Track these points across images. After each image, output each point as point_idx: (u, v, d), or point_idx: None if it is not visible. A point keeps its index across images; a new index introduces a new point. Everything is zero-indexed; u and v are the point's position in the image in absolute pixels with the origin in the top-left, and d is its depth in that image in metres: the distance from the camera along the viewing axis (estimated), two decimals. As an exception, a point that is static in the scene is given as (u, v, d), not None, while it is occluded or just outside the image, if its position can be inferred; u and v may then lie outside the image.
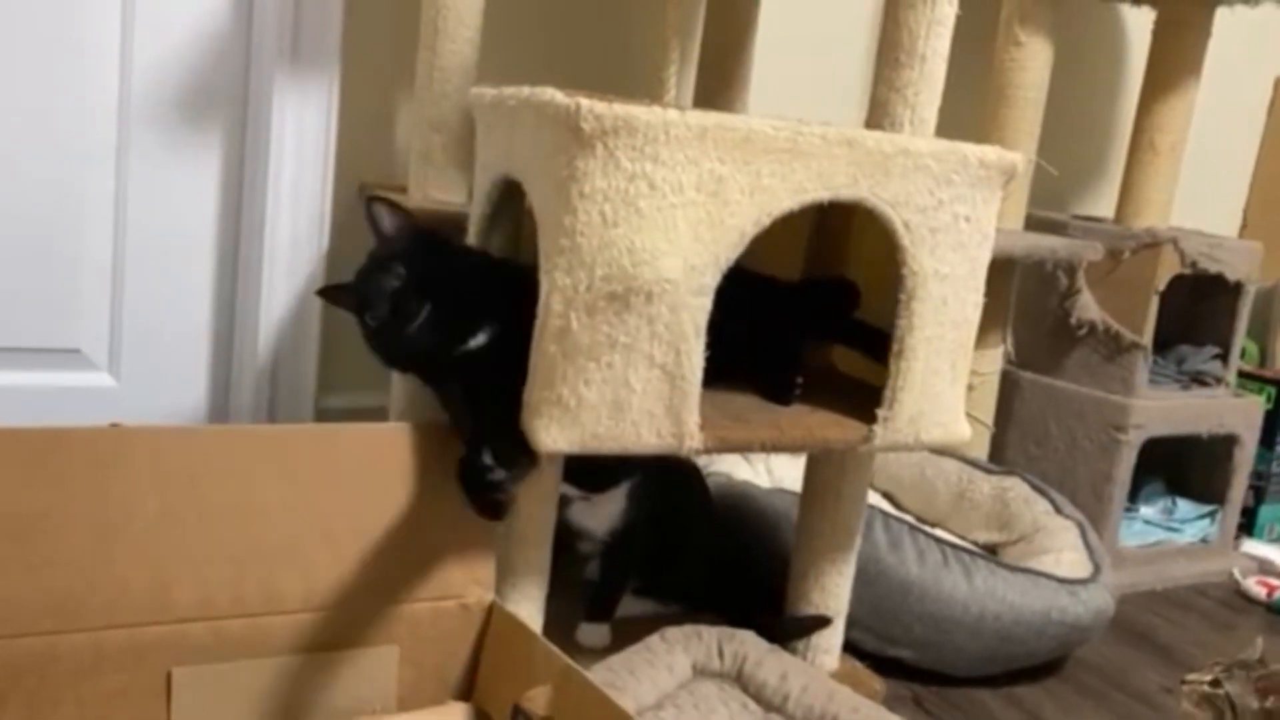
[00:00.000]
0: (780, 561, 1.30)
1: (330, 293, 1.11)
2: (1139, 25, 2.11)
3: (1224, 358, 1.97)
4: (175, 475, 0.93)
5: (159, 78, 1.46)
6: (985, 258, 1.13)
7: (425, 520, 1.02)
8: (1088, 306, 1.87)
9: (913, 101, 1.14)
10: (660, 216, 0.94)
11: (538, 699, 0.91)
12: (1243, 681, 1.15)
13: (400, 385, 1.31)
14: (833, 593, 1.25)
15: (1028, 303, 1.93)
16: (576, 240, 0.93)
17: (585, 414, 0.96)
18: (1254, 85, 2.49)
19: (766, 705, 1.09)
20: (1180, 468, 2.03)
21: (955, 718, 1.33)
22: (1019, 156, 1.12)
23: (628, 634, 1.15)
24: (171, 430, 1.01)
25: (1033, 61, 1.76)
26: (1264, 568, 1.97)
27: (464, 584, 1.04)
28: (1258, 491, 2.10)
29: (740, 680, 1.12)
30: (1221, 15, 1.86)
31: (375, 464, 1.01)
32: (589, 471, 1.14)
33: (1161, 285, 1.81)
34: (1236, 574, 1.91)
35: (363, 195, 1.55)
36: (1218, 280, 1.89)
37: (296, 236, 1.52)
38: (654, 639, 1.12)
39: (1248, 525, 2.10)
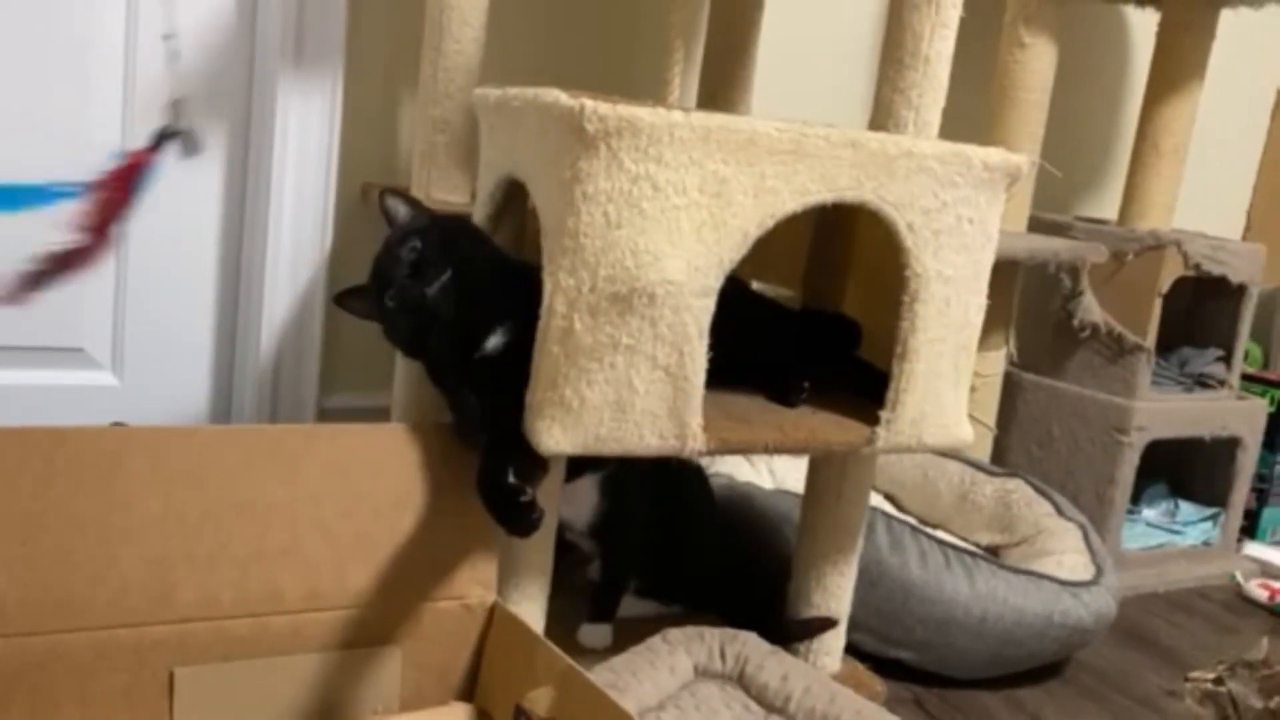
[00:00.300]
0: (782, 563, 1.30)
1: (345, 297, 1.08)
2: (1143, 27, 2.11)
3: (1227, 360, 1.97)
4: (178, 475, 0.93)
5: (162, 77, 1.46)
6: (988, 260, 1.12)
7: (427, 521, 1.02)
8: (1091, 308, 1.87)
9: (916, 103, 1.14)
10: (663, 218, 0.94)
11: (539, 700, 0.91)
12: (1246, 680, 1.15)
13: (402, 385, 1.31)
14: (834, 594, 1.25)
15: (1031, 304, 1.93)
16: (580, 241, 0.93)
17: (588, 415, 0.96)
18: (1258, 87, 2.49)
19: (768, 707, 1.09)
20: (1183, 470, 2.03)
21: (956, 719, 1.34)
22: (1023, 158, 1.12)
23: (630, 635, 1.15)
24: (174, 430, 1.01)
25: (1037, 63, 1.76)
26: (1266, 570, 1.97)
27: (466, 584, 1.04)
28: (1260, 494, 2.10)
29: (742, 681, 1.12)
30: (1225, 17, 1.86)
31: (377, 464, 1.01)
32: None
33: (1165, 287, 1.81)
34: (1239, 577, 1.91)
35: (366, 195, 1.55)
36: (1221, 282, 1.89)
37: (299, 236, 1.52)
38: (656, 640, 1.12)
39: (1250, 528, 2.10)
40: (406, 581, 1.01)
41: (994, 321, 1.69)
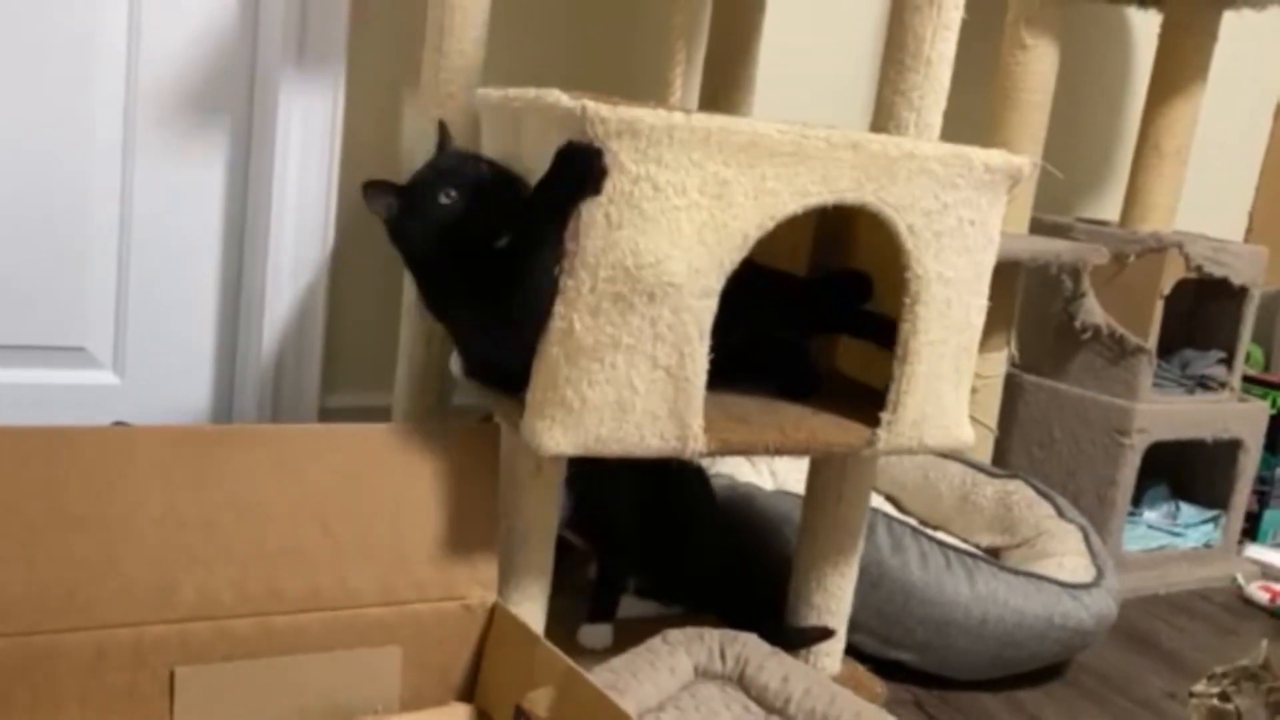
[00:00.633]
0: (783, 564, 1.30)
1: (374, 186, 1.04)
2: (1145, 29, 2.11)
3: (1229, 362, 1.97)
4: (179, 474, 0.93)
5: (165, 77, 1.47)
6: (990, 261, 1.13)
7: (428, 521, 1.02)
8: (1092, 310, 1.86)
9: (918, 105, 1.14)
10: (664, 218, 0.94)
11: (539, 700, 0.91)
12: (1251, 694, 1.14)
13: (404, 385, 1.31)
14: (835, 595, 1.25)
15: (1032, 306, 1.93)
16: (580, 241, 0.93)
17: (588, 415, 0.96)
18: (1260, 89, 2.49)
19: (768, 708, 1.09)
20: (1184, 472, 2.03)
21: (957, 721, 1.34)
22: (1024, 160, 1.12)
23: (630, 635, 1.15)
24: (175, 429, 1.01)
25: (1038, 65, 1.76)
26: (1267, 573, 1.96)
27: (467, 585, 1.04)
28: (1262, 496, 2.10)
29: (742, 682, 1.12)
30: (1228, 19, 1.86)
31: (378, 464, 1.01)
32: None
33: (1166, 289, 1.81)
34: (1240, 579, 1.91)
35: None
36: (1223, 284, 1.88)
37: (301, 235, 1.52)
38: (656, 641, 1.12)
39: (1251, 530, 2.10)
40: (407, 581, 1.01)
41: (995, 323, 1.69)
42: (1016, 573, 1.40)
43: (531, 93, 0.99)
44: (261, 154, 1.51)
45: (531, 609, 1.10)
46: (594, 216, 0.93)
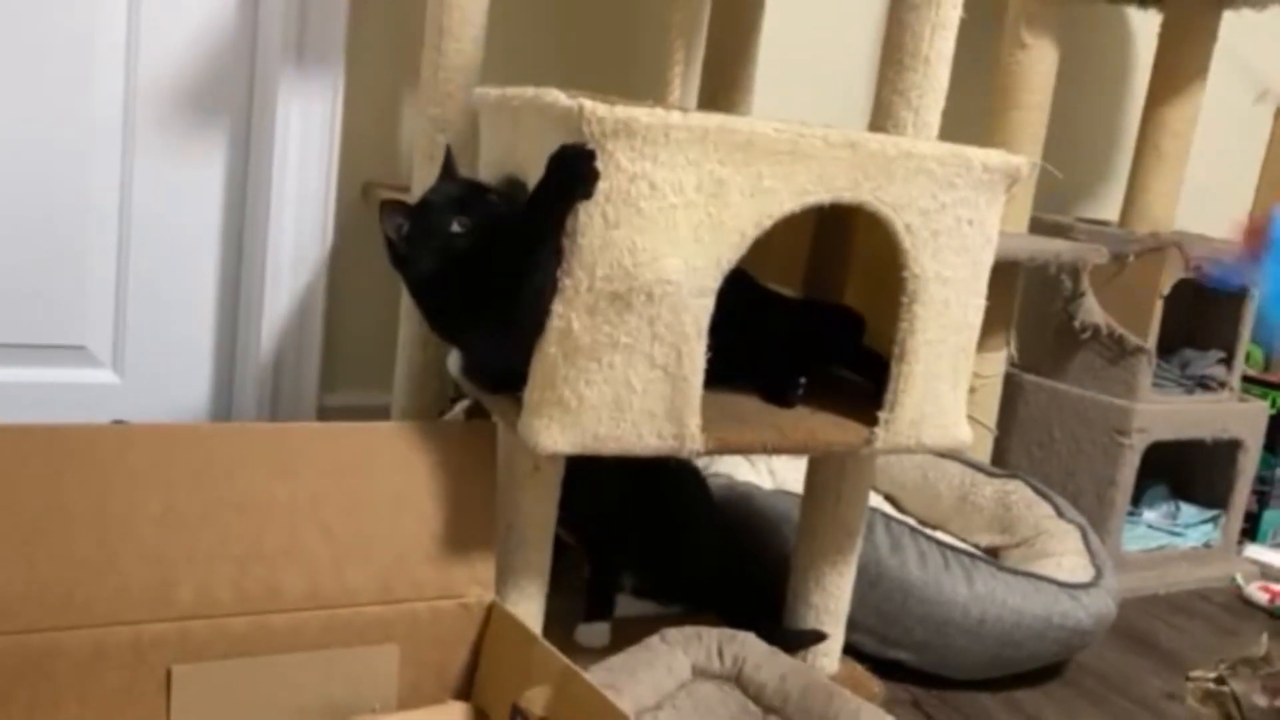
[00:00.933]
0: (782, 563, 1.30)
1: (391, 205, 1.03)
2: (1145, 28, 2.10)
3: (1228, 362, 1.97)
4: (178, 473, 0.93)
5: (164, 76, 1.47)
6: (988, 261, 1.12)
7: (426, 519, 1.02)
8: (1092, 310, 1.86)
9: (916, 104, 1.14)
10: (661, 217, 0.94)
11: (536, 699, 0.91)
12: (1248, 679, 1.14)
13: (402, 384, 1.31)
14: (833, 594, 1.25)
15: (1032, 306, 1.93)
16: (578, 240, 0.93)
17: (586, 415, 0.96)
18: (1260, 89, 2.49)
19: (766, 707, 1.09)
20: (1183, 472, 2.03)
21: (955, 721, 1.34)
22: (1023, 160, 1.12)
23: (628, 634, 1.15)
24: (174, 428, 1.01)
25: (1038, 64, 1.76)
26: (1267, 573, 1.96)
27: (464, 583, 1.04)
28: (1261, 496, 2.10)
29: (740, 682, 1.12)
30: (1228, 19, 1.86)
31: (377, 463, 1.01)
32: None
33: (1166, 289, 1.81)
34: (1239, 579, 1.91)
35: (366, 195, 1.56)
36: (1222, 284, 1.88)
37: (300, 235, 1.52)
38: (654, 640, 1.12)
39: (1251, 530, 2.09)
40: (405, 580, 1.01)
41: (995, 323, 1.70)
42: (1015, 572, 1.40)
43: (529, 92, 0.99)
44: (261, 153, 1.51)
45: (529, 608, 1.10)
46: (591, 216, 0.93)
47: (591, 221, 0.93)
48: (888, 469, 1.79)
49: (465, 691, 1.05)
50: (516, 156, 1.05)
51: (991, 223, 1.11)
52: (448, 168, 1.11)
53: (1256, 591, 1.86)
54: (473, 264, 1.01)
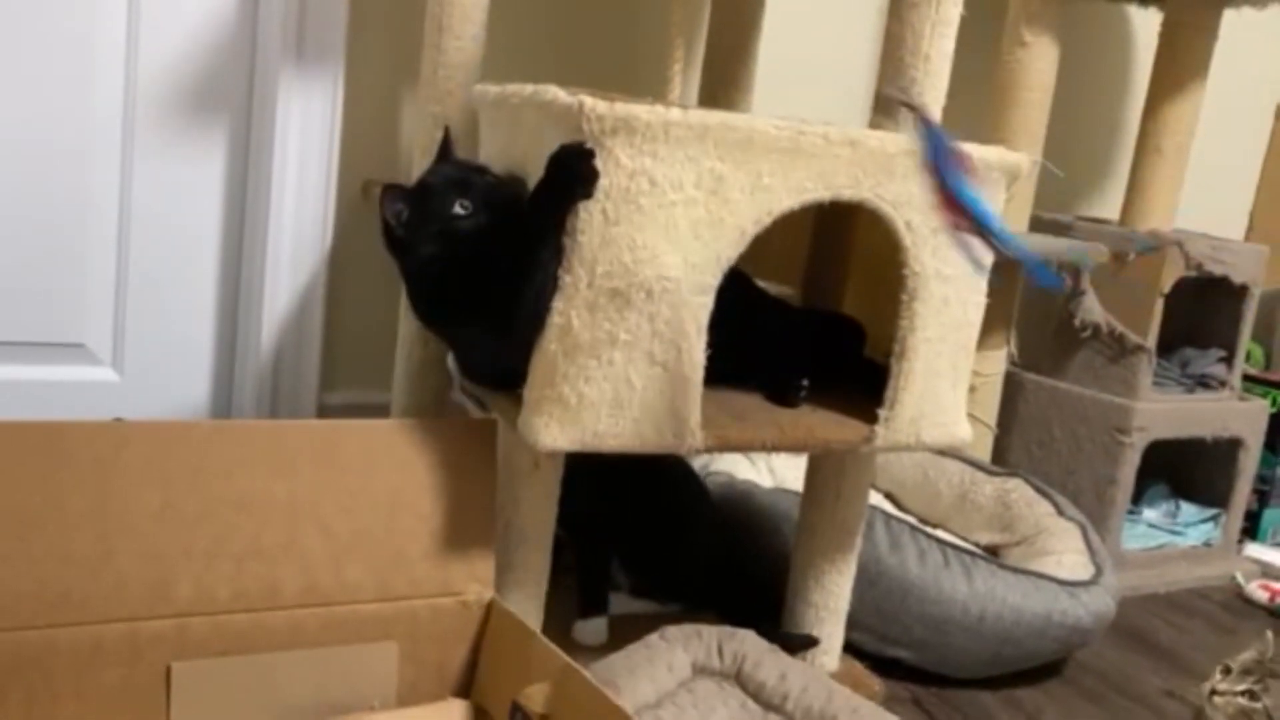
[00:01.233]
0: (781, 561, 1.30)
1: (392, 190, 1.02)
2: (1146, 27, 2.10)
3: (1229, 361, 1.97)
4: (176, 470, 0.93)
5: (164, 75, 1.47)
6: (987, 259, 1.12)
7: (425, 517, 1.02)
8: (1092, 308, 1.86)
9: (916, 102, 1.14)
10: (661, 214, 0.94)
11: (535, 696, 0.91)
12: (1277, 694, 1.12)
13: (402, 382, 1.31)
14: (833, 592, 1.25)
15: (1032, 304, 1.92)
16: (577, 238, 0.93)
17: (586, 412, 0.96)
18: (1261, 88, 2.49)
19: (765, 705, 1.09)
20: (1184, 471, 2.03)
21: (954, 719, 1.33)
22: (1023, 157, 1.12)
23: (628, 632, 1.15)
24: (173, 425, 1.01)
25: (1039, 62, 1.75)
26: (1267, 572, 1.96)
27: (464, 581, 1.04)
28: (1261, 495, 2.10)
29: (739, 679, 1.12)
30: (1229, 17, 1.86)
31: (376, 461, 1.01)
32: None
33: (1166, 288, 1.81)
34: (1239, 578, 1.90)
35: (366, 193, 1.56)
36: (1223, 283, 1.88)
37: (300, 233, 1.52)
38: (654, 637, 1.12)
39: (1251, 529, 2.09)
40: (404, 578, 1.01)
41: (995, 321, 1.69)
42: (1015, 570, 1.40)
43: (529, 89, 0.99)
44: (260, 151, 1.51)
45: (529, 605, 1.10)
46: (591, 213, 0.93)
47: (591, 218, 0.93)
48: (888, 467, 1.79)
49: (465, 689, 1.05)
50: (516, 153, 1.05)
51: (991, 220, 1.11)
52: (445, 150, 1.10)
53: (1256, 590, 1.86)
54: (475, 249, 1.00)
